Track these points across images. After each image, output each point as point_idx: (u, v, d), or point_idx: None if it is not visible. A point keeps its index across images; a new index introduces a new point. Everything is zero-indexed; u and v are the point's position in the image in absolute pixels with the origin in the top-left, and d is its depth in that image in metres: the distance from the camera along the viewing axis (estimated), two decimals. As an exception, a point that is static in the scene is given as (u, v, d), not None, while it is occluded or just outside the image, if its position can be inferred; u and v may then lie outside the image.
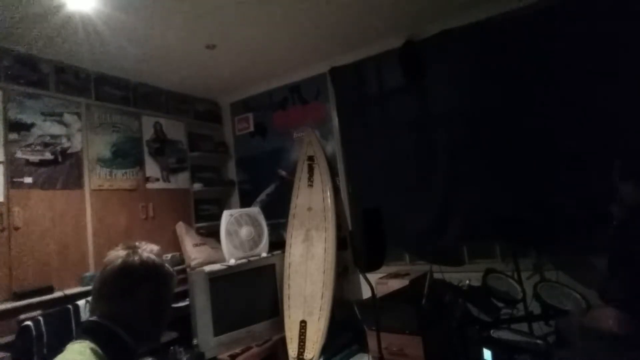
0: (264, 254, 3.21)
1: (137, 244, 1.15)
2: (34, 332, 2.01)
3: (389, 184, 3.36)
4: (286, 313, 3.07)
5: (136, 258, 1.10)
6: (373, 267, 2.31)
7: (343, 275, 3.33)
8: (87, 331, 1.02)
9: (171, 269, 1.17)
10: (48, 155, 2.93)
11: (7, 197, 2.66)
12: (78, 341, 0.98)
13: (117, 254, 1.10)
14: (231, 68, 3.74)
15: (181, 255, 3.67)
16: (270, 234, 3.38)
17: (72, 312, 2.22)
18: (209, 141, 4.41)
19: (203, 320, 2.75)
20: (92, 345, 0.96)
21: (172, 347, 2.57)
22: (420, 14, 3.09)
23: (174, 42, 3.06)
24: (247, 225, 3.17)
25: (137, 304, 1.07)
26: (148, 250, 1.14)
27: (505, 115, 2.89)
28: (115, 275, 1.07)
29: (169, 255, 3.54)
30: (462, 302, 2.20)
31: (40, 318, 2.08)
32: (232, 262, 3.00)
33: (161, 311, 1.14)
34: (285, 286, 3.16)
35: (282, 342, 3.01)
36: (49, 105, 3.00)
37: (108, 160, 3.36)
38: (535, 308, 2.33)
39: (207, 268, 2.92)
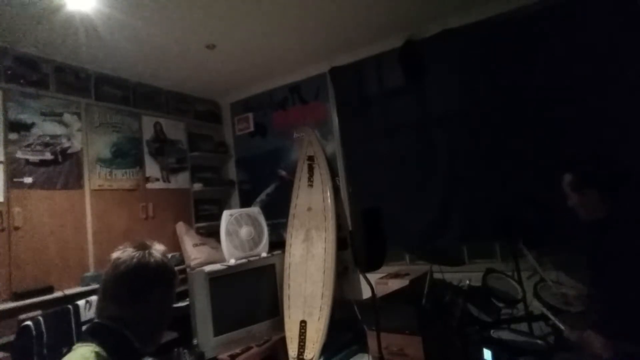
0: (264, 254, 3.21)
1: (147, 243, 1.10)
2: (34, 332, 2.00)
3: (389, 184, 3.36)
4: (286, 313, 3.07)
5: (152, 260, 1.06)
6: (373, 267, 2.31)
7: (343, 275, 3.33)
8: (94, 333, 1.00)
9: (175, 268, 1.16)
10: (48, 155, 2.93)
11: (7, 197, 2.66)
12: (84, 344, 0.96)
13: (130, 254, 1.05)
14: (231, 68, 3.74)
15: (181, 255, 3.67)
16: (270, 234, 3.38)
17: (72, 312, 2.21)
18: (209, 141, 4.41)
19: (203, 320, 2.75)
20: (98, 348, 0.94)
21: (176, 349, 2.56)
22: (421, 13, 3.09)
23: (174, 42, 3.06)
24: (247, 225, 3.17)
25: (149, 306, 1.04)
26: (160, 251, 1.10)
27: (505, 115, 2.89)
28: (131, 276, 1.03)
29: (169, 255, 3.53)
30: (462, 302, 2.20)
31: (40, 318, 2.08)
32: (232, 262, 3.00)
33: (168, 313, 1.12)
34: (285, 286, 3.16)
35: (282, 342, 3.01)
36: (49, 105, 3.00)
37: (108, 160, 3.36)
38: (535, 308, 2.33)
39: (207, 268, 2.92)
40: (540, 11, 2.77)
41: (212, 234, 3.84)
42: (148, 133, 3.76)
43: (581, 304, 1.98)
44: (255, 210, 3.36)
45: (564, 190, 1.79)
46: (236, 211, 3.22)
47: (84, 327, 2.13)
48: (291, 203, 3.47)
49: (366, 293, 3.02)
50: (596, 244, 1.67)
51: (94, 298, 2.24)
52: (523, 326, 2.34)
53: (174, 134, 4.02)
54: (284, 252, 3.31)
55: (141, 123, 3.71)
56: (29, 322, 2.03)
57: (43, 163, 2.89)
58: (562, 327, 1.78)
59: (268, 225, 3.37)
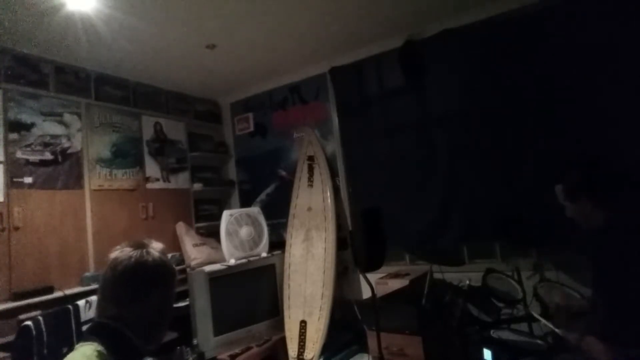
0: (264, 254, 3.21)
1: (145, 241, 1.10)
2: (34, 332, 2.00)
3: (389, 184, 3.36)
4: (286, 313, 3.07)
5: (150, 259, 1.05)
6: (373, 267, 2.31)
7: (343, 275, 3.33)
8: (96, 332, 1.00)
9: (174, 266, 1.15)
10: (48, 155, 2.93)
11: (7, 197, 2.66)
12: (86, 343, 0.97)
13: (128, 253, 1.04)
14: (231, 68, 3.74)
15: (181, 255, 3.67)
16: (270, 234, 3.38)
17: (72, 312, 2.21)
18: (209, 141, 4.41)
19: (203, 320, 2.75)
20: (100, 347, 0.95)
21: (178, 347, 2.56)
22: (420, 14, 3.09)
23: (174, 42, 3.06)
24: (247, 225, 3.17)
25: (149, 306, 1.04)
26: (158, 249, 1.10)
27: (505, 115, 2.89)
28: (129, 276, 1.02)
29: (169, 256, 3.54)
30: (462, 302, 2.20)
31: (40, 318, 2.07)
32: (232, 262, 3.00)
33: (168, 311, 1.12)
34: (285, 286, 3.16)
35: (282, 342, 3.01)
36: (49, 105, 3.00)
37: (108, 160, 3.36)
38: (535, 308, 2.33)
39: (207, 268, 2.92)
40: (540, 11, 2.77)
41: (212, 234, 3.84)
42: (148, 133, 3.76)
43: (579, 307, 1.98)
44: (255, 210, 3.36)
45: (560, 202, 1.77)
46: (236, 211, 3.22)
47: (84, 327, 2.13)
48: (291, 203, 3.47)
49: (366, 293, 3.02)
50: (597, 248, 1.65)
51: (94, 298, 2.24)
52: (523, 326, 2.33)
53: (174, 134, 4.02)
54: (284, 252, 3.31)
55: (141, 123, 3.71)
56: (29, 322, 2.03)
57: (43, 163, 2.89)
58: (556, 330, 1.77)
59: (268, 225, 3.37)
